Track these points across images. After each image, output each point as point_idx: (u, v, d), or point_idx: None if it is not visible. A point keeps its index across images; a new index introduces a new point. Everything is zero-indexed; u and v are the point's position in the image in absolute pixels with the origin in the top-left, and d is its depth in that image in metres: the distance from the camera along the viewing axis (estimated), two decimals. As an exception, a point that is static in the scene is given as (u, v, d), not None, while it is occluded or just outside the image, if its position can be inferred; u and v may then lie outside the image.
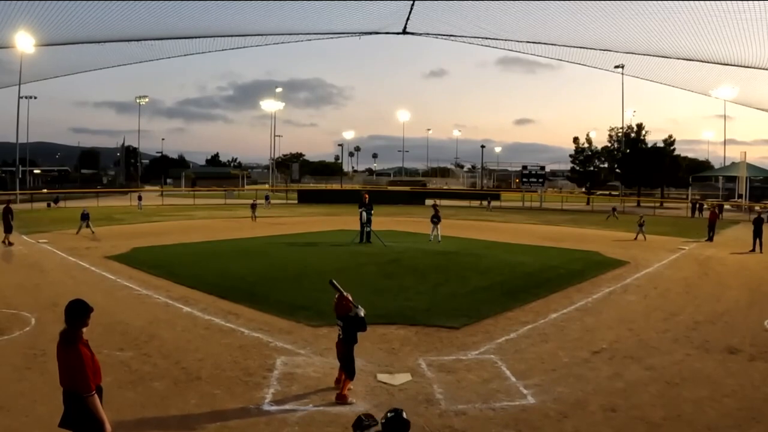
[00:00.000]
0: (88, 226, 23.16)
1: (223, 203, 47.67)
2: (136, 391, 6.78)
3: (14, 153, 53.44)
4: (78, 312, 4.27)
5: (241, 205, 42.79)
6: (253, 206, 32.64)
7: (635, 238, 24.05)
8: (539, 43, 16.56)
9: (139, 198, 42.09)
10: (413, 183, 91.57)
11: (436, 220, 22.12)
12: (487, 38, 16.33)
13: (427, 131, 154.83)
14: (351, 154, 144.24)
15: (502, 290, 13.00)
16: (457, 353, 8.45)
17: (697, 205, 43.98)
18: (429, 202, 51.75)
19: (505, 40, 16.62)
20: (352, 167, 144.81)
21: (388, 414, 3.83)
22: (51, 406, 6.09)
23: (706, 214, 41.88)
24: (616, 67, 21.21)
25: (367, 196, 21.92)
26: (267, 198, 45.36)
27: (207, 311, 10.64)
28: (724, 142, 70.90)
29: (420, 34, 16.16)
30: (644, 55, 16.17)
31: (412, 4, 13.72)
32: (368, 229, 21.04)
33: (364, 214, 21.09)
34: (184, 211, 38.10)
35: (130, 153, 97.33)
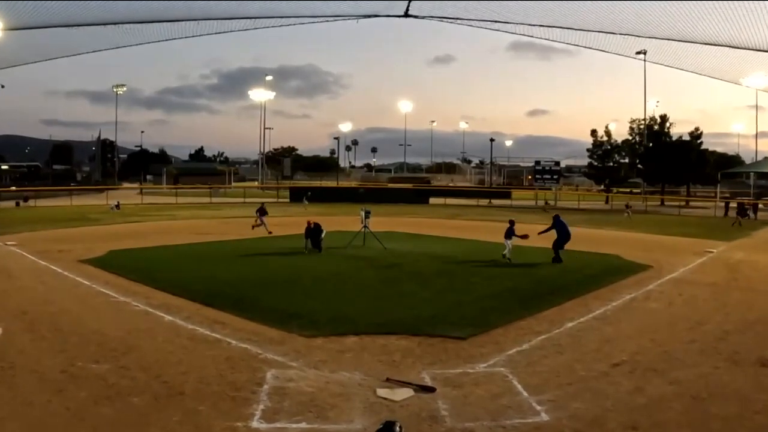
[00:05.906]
0: (261, 222, 24.93)
1: (209, 202, 47.74)
2: (113, 408, 6.78)
3: (-20, 147, 53.50)
4: None
5: (229, 204, 42.90)
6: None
7: None
8: (555, 26, 16.51)
9: (117, 206, 38.62)
10: (416, 180, 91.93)
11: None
12: (497, 21, 16.27)
13: (432, 123, 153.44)
14: (348, 148, 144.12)
15: (513, 297, 13.02)
16: (463, 366, 8.46)
17: (728, 204, 44.02)
18: (434, 201, 51.78)
19: (518, 23, 16.58)
20: (350, 162, 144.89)
21: (380, 426, 3.88)
22: (21, 423, 6.10)
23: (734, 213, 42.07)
24: (638, 53, 21.15)
25: (312, 221, 19.75)
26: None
27: (191, 320, 10.64)
28: (756, 135, 71.12)
29: (423, 17, 16.13)
30: (669, 39, 16.12)
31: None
32: (367, 230, 21.11)
33: (363, 213, 21.25)
34: (166, 211, 38.12)
35: (107, 147, 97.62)
